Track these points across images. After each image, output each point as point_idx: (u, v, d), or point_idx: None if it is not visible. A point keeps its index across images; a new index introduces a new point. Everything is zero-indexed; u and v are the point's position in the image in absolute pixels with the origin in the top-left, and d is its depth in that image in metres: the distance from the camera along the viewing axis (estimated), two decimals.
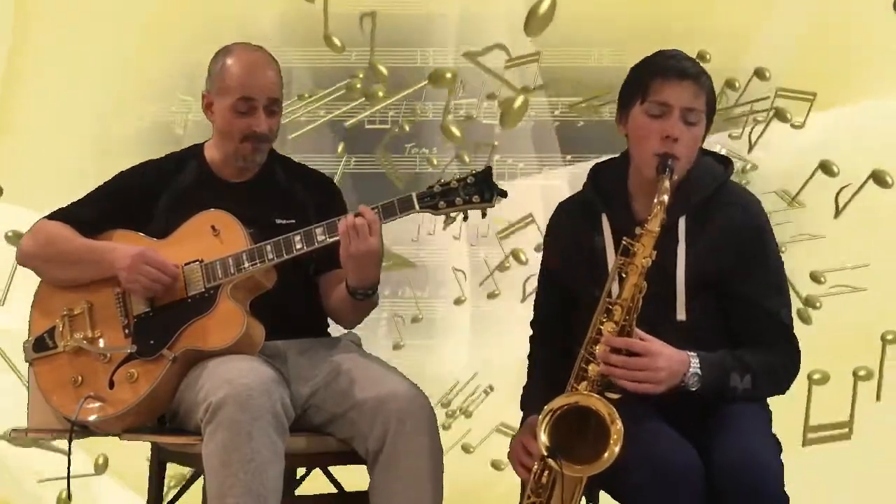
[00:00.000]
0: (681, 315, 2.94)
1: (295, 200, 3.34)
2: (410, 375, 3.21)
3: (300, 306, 3.31)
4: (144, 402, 3.13)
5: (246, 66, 3.30)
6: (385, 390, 3.11)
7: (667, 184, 2.86)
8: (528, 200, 4.84)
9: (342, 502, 3.35)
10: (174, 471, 3.39)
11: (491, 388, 4.83)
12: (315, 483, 3.38)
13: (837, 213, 4.80)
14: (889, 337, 4.80)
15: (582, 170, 4.55)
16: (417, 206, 3.10)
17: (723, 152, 3.24)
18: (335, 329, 3.41)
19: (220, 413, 2.96)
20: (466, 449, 4.77)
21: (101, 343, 3.22)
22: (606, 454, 2.74)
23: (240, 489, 2.93)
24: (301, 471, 3.37)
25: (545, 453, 2.80)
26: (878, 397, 4.78)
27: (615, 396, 2.83)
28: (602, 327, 2.86)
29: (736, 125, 4.88)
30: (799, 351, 3.00)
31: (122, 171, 3.37)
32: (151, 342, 3.15)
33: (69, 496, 3.20)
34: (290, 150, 4.61)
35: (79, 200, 3.34)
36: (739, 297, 2.96)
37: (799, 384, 4.27)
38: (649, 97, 2.93)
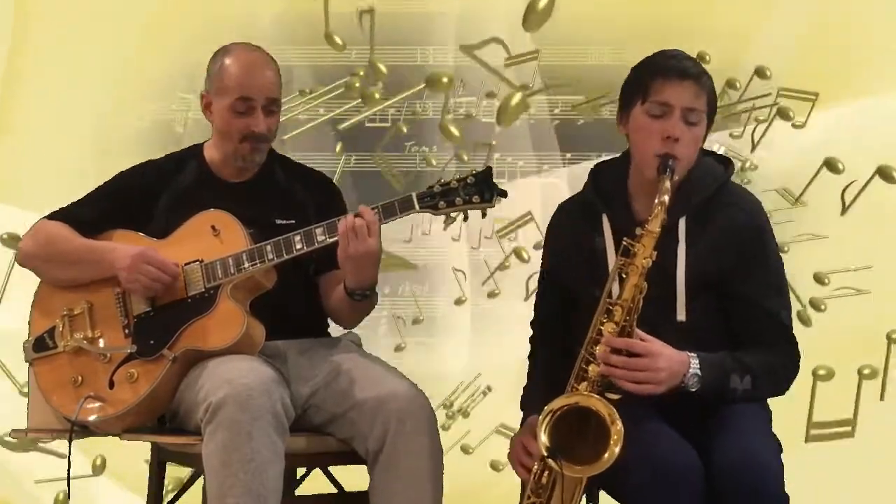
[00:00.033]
0: (681, 316, 2.93)
1: (295, 200, 3.34)
2: (412, 376, 3.21)
3: (300, 306, 3.31)
4: (144, 402, 3.12)
5: (244, 66, 3.30)
6: (385, 390, 3.11)
7: (667, 184, 2.86)
8: (527, 199, 4.84)
9: (342, 502, 3.35)
10: (172, 475, 3.37)
11: (489, 388, 4.83)
12: (315, 483, 3.38)
13: (844, 209, 4.80)
14: (895, 336, 4.80)
15: (581, 168, 4.56)
16: (417, 207, 3.10)
17: (721, 151, 3.24)
18: (335, 329, 3.41)
19: (220, 413, 2.95)
20: (465, 450, 4.76)
21: (101, 343, 3.22)
22: (607, 455, 2.74)
23: (240, 489, 2.92)
24: (301, 471, 3.37)
25: (545, 454, 2.80)
26: (881, 397, 4.78)
27: (615, 397, 2.83)
28: (602, 328, 2.86)
29: (737, 123, 4.88)
30: (798, 352, 3.00)
31: (122, 171, 3.37)
32: (151, 342, 3.15)
33: (69, 496, 3.20)
34: (289, 149, 4.63)
35: (79, 200, 3.34)
36: (739, 298, 2.96)
37: (803, 380, 4.27)
38: (650, 97, 2.93)
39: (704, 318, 2.95)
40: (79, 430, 3.17)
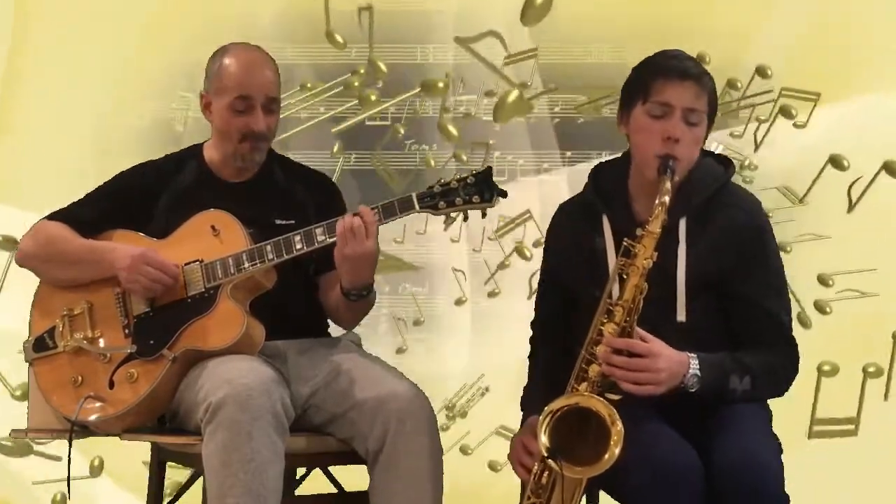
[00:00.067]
0: (681, 316, 2.93)
1: (294, 200, 3.34)
2: (413, 377, 3.21)
3: (300, 306, 3.31)
4: (144, 402, 3.13)
5: (243, 65, 3.30)
6: (385, 390, 3.11)
7: (668, 185, 2.86)
8: (525, 197, 4.83)
9: (342, 502, 3.36)
10: (169, 478, 3.37)
11: (487, 388, 4.82)
12: (315, 483, 3.38)
13: (851, 206, 4.78)
14: None
15: (581, 167, 4.56)
16: (417, 207, 3.10)
17: (719, 150, 3.24)
18: (335, 329, 3.41)
19: (220, 413, 2.95)
20: (465, 450, 4.76)
21: (101, 343, 3.22)
22: (607, 455, 2.74)
23: (240, 489, 2.93)
24: (301, 471, 3.37)
25: (546, 454, 2.80)
26: (885, 396, 4.77)
27: (615, 397, 2.83)
28: (603, 328, 2.86)
29: (738, 121, 4.87)
30: (798, 353, 3.00)
31: (122, 172, 3.37)
32: (151, 342, 3.15)
33: (68, 496, 3.20)
34: (289, 148, 4.63)
35: (79, 200, 3.34)
36: (739, 298, 2.96)
37: (808, 375, 4.27)
38: (651, 97, 2.93)
39: (704, 319, 2.95)
40: (79, 430, 3.17)
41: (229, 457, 2.93)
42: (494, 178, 3.11)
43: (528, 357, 3.22)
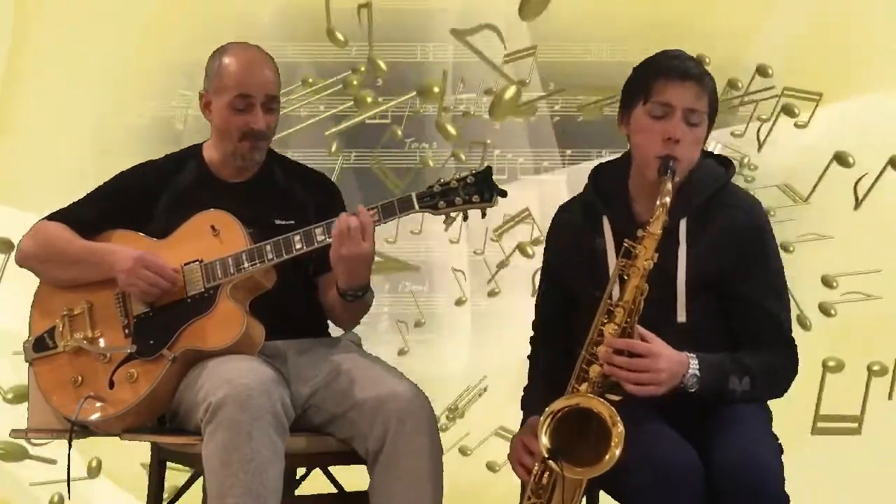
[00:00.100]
0: (681, 317, 2.94)
1: (294, 200, 3.34)
2: (414, 378, 3.21)
3: (300, 306, 3.31)
4: (144, 402, 3.12)
5: (243, 64, 3.30)
6: (385, 390, 3.11)
7: (669, 186, 2.86)
8: (524, 195, 4.83)
9: (342, 502, 3.36)
10: (167, 481, 3.37)
11: (485, 388, 4.82)
12: (315, 483, 3.38)
13: (858, 203, 4.77)
14: None
15: (580, 166, 4.55)
16: (417, 206, 3.10)
17: (718, 148, 3.24)
18: (335, 329, 3.41)
19: (220, 413, 2.95)
20: (464, 451, 4.75)
21: (101, 343, 3.22)
22: (608, 457, 2.74)
23: (240, 489, 2.93)
24: (301, 471, 3.37)
25: (546, 455, 2.80)
26: (890, 395, 4.77)
27: (616, 398, 2.83)
28: (604, 328, 2.86)
29: (739, 120, 4.87)
30: (797, 354, 3.00)
31: (122, 172, 3.37)
32: (151, 342, 3.15)
33: (68, 497, 3.20)
34: (289, 146, 4.62)
35: (79, 200, 3.34)
36: (739, 298, 2.96)
37: (813, 370, 4.26)
38: (652, 98, 2.93)
39: (704, 319, 2.95)
40: (79, 430, 3.17)
41: (229, 457, 2.93)
42: (494, 177, 3.11)
43: (529, 357, 3.22)
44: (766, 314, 2.96)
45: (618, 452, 2.73)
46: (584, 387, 2.86)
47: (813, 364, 4.60)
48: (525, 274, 4.76)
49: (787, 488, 2.81)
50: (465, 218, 3.14)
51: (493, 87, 4.91)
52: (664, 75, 2.93)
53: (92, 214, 3.29)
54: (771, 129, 4.84)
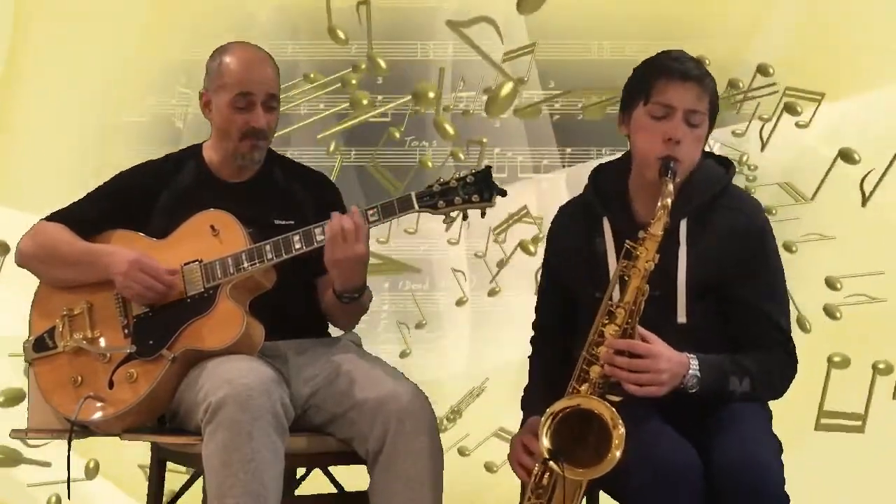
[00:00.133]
0: (681, 318, 2.93)
1: (294, 200, 3.34)
2: (414, 378, 3.21)
3: (300, 306, 3.31)
4: (144, 402, 3.12)
5: (244, 63, 3.30)
6: (385, 390, 3.11)
7: (670, 187, 2.85)
8: (522, 194, 4.83)
9: (342, 502, 3.36)
10: (166, 486, 3.38)
11: (483, 388, 4.82)
12: (315, 483, 3.38)
13: (865, 200, 4.76)
14: None
15: (580, 166, 4.55)
16: (417, 206, 3.10)
17: (717, 148, 3.23)
18: (335, 329, 3.41)
19: (220, 413, 2.95)
20: (462, 452, 4.75)
21: (101, 343, 3.22)
22: (608, 457, 2.74)
23: (240, 489, 2.93)
24: (301, 471, 3.37)
25: (547, 456, 2.80)
26: (894, 395, 4.76)
27: (616, 399, 2.83)
28: (604, 329, 2.86)
29: (739, 118, 4.86)
30: (796, 355, 3.01)
31: (122, 172, 3.38)
32: (151, 342, 3.15)
33: (68, 497, 3.20)
34: (289, 144, 4.62)
35: (78, 201, 3.34)
36: (739, 300, 2.96)
37: (818, 366, 4.25)
38: (652, 98, 2.92)
39: (705, 320, 2.95)
40: (79, 430, 3.17)
41: (229, 457, 2.93)
42: (494, 176, 3.11)
43: (529, 357, 3.22)
44: (766, 317, 2.96)
45: (618, 454, 2.73)
46: (584, 387, 2.86)
47: (818, 360, 4.59)
48: (527, 272, 4.76)
49: (790, 486, 2.80)
50: (465, 217, 3.14)
51: (493, 85, 4.90)
52: (665, 76, 2.92)
53: (92, 214, 3.29)
54: (773, 128, 4.83)
